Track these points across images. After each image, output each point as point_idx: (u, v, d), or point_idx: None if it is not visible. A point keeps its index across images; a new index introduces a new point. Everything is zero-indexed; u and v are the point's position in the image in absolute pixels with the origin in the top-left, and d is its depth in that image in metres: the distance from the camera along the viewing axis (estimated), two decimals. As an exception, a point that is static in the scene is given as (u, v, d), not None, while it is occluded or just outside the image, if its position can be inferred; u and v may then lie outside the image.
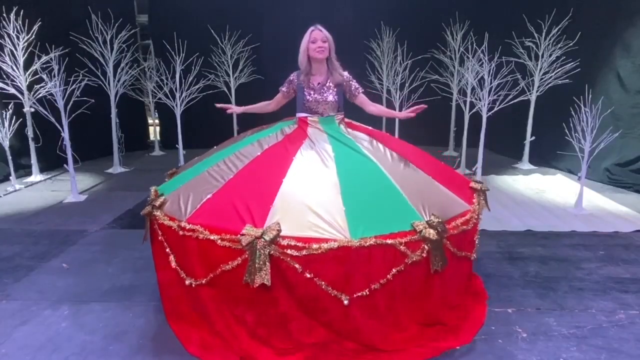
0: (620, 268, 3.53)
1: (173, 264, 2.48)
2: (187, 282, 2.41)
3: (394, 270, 2.27)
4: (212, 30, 8.01)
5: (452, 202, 2.66)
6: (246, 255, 2.19)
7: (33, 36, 6.16)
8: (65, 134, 5.62)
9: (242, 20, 8.26)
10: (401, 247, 2.27)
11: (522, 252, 3.84)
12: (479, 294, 3.03)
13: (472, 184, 2.94)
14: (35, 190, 6.15)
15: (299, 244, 2.18)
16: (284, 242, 2.18)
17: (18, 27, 6.03)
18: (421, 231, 2.31)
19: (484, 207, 2.86)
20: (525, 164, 7.13)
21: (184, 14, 8.47)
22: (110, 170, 7.27)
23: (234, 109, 3.27)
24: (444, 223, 2.42)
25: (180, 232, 2.37)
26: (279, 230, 2.18)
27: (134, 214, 5.04)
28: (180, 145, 7.13)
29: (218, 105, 3.29)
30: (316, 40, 2.82)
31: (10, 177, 6.16)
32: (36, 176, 6.64)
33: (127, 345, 2.60)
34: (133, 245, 4.05)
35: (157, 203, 2.61)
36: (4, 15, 5.96)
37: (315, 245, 2.17)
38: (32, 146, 6.47)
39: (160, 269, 2.69)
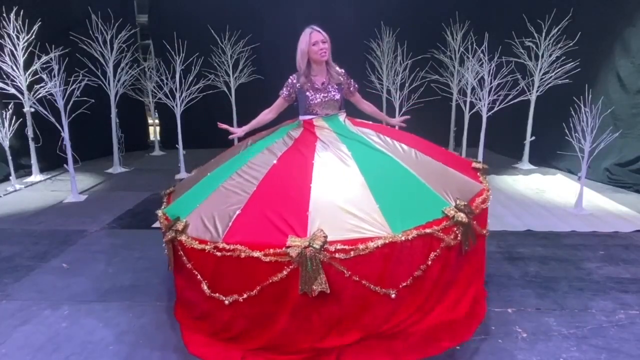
0: (620, 268, 3.53)
1: (207, 291, 2.39)
2: (226, 302, 2.34)
3: (432, 255, 2.32)
4: (212, 30, 7.99)
5: (468, 183, 2.74)
6: (293, 267, 2.16)
7: (33, 36, 6.15)
8: (65, 134, 5.62)
9: (242, 20, 8.25)
10: (440, 234, 2.32)
11: (522, 252, 3.84)
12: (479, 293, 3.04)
13: (474, 164, 3.07)
14: (35, 190, 6.15)
15: (346, 247, 2.17)
16: (332, 247, 2.16)
17: (18, 27, 6.03)
18: (453, 216, 2.36)
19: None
20: (525, 164, 7.12)
21: (184, 14, 8.46)
22: (110, 170, 7.27)
23: (237, 132, 3.08)
24: (469, 204, 2.48)
25: (218, 254, 2.27)
26: (326, 236, 2.17)
27: (134, 214, 5.05)
28: (180, 145, 7.12)
29: (221, 125, 3.07)
30: (317, 42, 2.79)
31: (10, 177, 6.17)
32: (36, 176, 6.65)
33: (127, 345, 2.60)
34: (133, 245, 4.06)
35: (180, 227, 2.46)
36: (4, 15, 5.96)
37: (361, 246, 2.17)
38: (32, 146, 6.47)
39: (187, 289, 2.64)
